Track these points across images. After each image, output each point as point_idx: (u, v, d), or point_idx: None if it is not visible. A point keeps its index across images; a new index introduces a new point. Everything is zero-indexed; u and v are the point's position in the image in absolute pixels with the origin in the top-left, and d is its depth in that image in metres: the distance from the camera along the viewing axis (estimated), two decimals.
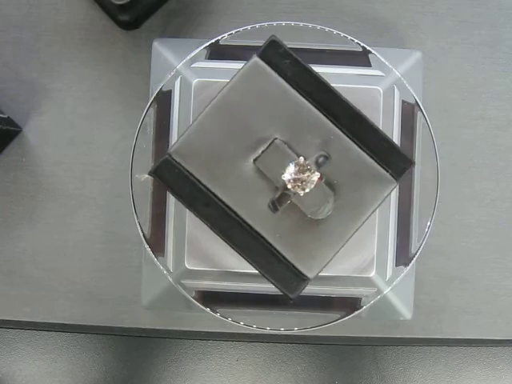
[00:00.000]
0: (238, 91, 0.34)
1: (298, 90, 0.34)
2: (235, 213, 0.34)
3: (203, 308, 0.40)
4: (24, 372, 0.47)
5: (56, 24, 0.46)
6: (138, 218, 0.40)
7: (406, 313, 0.43)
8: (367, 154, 0.34)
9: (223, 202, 0.34)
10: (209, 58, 0.41)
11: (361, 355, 0.47)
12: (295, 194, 0.33)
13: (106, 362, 0.47)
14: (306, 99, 0.34)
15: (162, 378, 0.47)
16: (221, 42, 0.41)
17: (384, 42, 0.46)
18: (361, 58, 0.42)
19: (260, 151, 0.34)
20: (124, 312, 0.45)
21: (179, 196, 0.34)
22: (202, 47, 0.41)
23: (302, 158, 0.33)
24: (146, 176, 0.40)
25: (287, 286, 0.34)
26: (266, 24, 0.41)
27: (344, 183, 0.34)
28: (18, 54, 0.46)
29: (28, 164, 0.46)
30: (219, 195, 0.34)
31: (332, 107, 0.34)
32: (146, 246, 0.40)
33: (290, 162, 0.33)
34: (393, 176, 0.34)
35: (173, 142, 0.40)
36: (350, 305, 0.41)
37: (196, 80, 0.40)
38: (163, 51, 0.42)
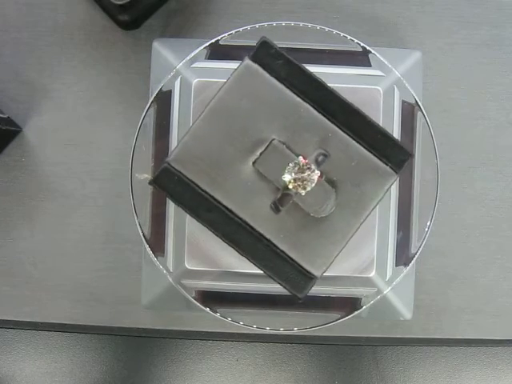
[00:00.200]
0: (232, 94, 0.34)
1: (292, 90, 0.34)
2: (238, 216, 0.34)
3: (203, 308, 0.40)
4: (24, 372, 0.47)
5: (56, 24, 0.46)
6: (137, 218, 0.40)
7: (406, 313, 0.43)
8: (366, 148, 0.34)
9: (225, 207, 0.34)
10: (209, 58, 0.41)
11: (361, 355, 0.47)
12: (296, 193, 0.33)
13: (106, 362, 0.47)
14: (301, 98, 0.34)
15: (162, 378, 0.47)
16: (221, 42, 0.41)
17: (384, 41, 0.46)
18: (361, 58, 0.42)
19: (258, 153, 0.34)
20: (124, 312, 0.45)
21: (181, 203, 0.34)
22: (202, 47, 0.41)
23: (301, 158, 0.33)
24: (146, 175, 0.40)
25: (295, 286, 0.34)
26: (265, 24, 0.41)
27: (345, 179, 0.34)
28: (17, 54, 0.46)
29: (28, 164, 0.46)
30: (221, 200, 0.34)
31: (327, 104, 0.34)
32: (146, 246, 0.40)
33: (290, 162, 0.33)
34: (393, 169, 0.34)
35: (172, 143, 0.40)
36: (350, 305, 0.41)
37: (196, 80, 0.40)
38: (163, 51, 0.42)
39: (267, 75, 0.34)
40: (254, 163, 0.34)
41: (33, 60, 0.46)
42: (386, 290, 0.40)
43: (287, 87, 0.34)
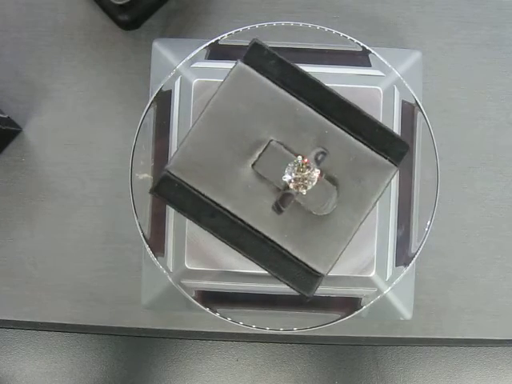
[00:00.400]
0: (227, 98, 0.34)
1: (286, 89, 0.34)
2: (240, 219, 0.34)
3: (203, 308, 0.40)
4: (24, 372, 0.47)
5: (56, 24, 0.46)
6: (137, 218, 0.40)
7: (406, 313, 0.43)
8: (364, 143, 0.34)
9: (227, 211, 0.34)
10: (209, 58, 0.41)
11: (361, 355, 0.47)
12: (298, 193, 0.33)
13: (106, 362, 0.47)
14: (296, 97, 0.34)
15: (162, 378, 0.47)
16: (221, 42, 0.41)
17: (384, 41, 0.46)
18: (361, 58, 0.42)
19: (257, 155, 0.34)
20: (124, 312, 0.45)
21: (183, 210, 0.34)
22: (202, 47, 0.41)
23: (300, 157, 0.33)
24: (146, 175, 0.40)
25: (302, 286, 0.34)
26: (265, 24, 0.41)
27: (345, 176, 0.34)
28: (17, 54, 0.46)
29: (28, 164, 0.46)
30: (222, 204, 0.34)
31: (322, 102, 0.34)
32: (146, 246, 0.40)
33: (289, 162, 0.33)
34: (392, 162, 0.34)
35: (172, 143, 0.40)
36: (350, 305, 0.41)
37: (196, 80, 0.40)
38: (163, 51, 0.42)
39: (261, 77, 0.34)
40: (253, 165, 0.34)
41: (33, 60, 0.46)
42: (386, 290, 0.40)
43: (281, 87, 0.34)
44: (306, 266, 0.34)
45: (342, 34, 0.41)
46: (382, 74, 0.41)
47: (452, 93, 0.46)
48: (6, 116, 0.44)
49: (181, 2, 0.46)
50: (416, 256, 0.41)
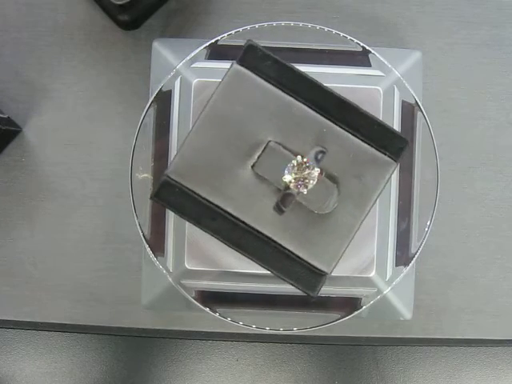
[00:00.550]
0: (224, 101, 0.34)
1: (283, 90, 0.34)
2: (242, 221, 0.34)
3: (203, 308, 0.40)
4: (24, 372, 0.47)
5: (56, 24, 0.46)
6: (137, 218, 0.40)
7: (406, 313, 0.43)
8: (362, 140, 0.34)
9: (229, 213, 0.34)
10: (209, 58, 0.41)
11: (361, 355, 0.47)
12: (298, 192, 0.33)
13: (106, 362, 0.47)
14: (293, 97, 0.34)
15: (162, 378, 0.47)
16: (221, 42, 0.41)
17: (384, 41, 0.46)
18: (361, 58, 0.42)
19: (256, 156, 0.34)
20: (124, 312, 0.45)
21: (184, 215, 0.34)
22: (202, 47, 0.41)
23: (299, 157, 0.33)
24: (146, 175, 0.40)
25: (307, 285, 0.34)
26: (265, 24, 0.41)
27: (345, 173, 0.34)
28: (17, 54, 0.46)
29: (28, 164, 0.46)
30: (223, 207, 0.34)
31: (320, 100, 0.34)
32: (146, 246, 0.40)
33: (288, 161, 0.33)
34: (391, 158, 0.34)
35: (172, 143, 0.40)
36: (350, 305, 0.41)
37: (196, 80, 0.40)
38: (163, 51, 0.42)
39: (256, 78, 0.34)
40: (252, 167, 0.34)
41: (33, 60, 0.46)
42: (386, 290, 0.40)
43: (278, 87, 0.34)
44: (310, 265, 0.34)
45: (342, 34, 0.41)
46: (382, 74, 0.41)
47: (452, 93, 0.46)
48: (5, 116, 0.44)
49: (181, 2, 0.46)
50: (416, 256, 0.41)
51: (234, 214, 0.34)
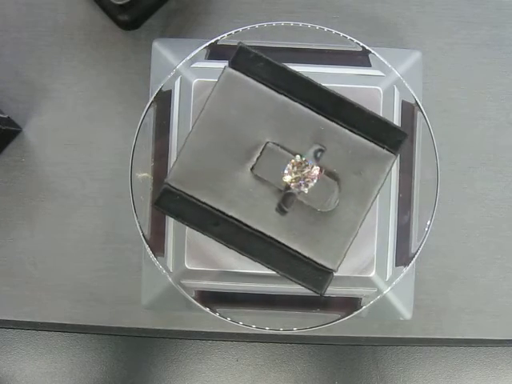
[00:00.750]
0: (219, 105, 0.34)
1: (277, 90, 0.34)
2: (246, 224, 0.34)
3: (203, 308, 0.40)
4: (24, 372, 0.47)
5: (56, 24, 0.46)
6: (137, 218, 0.40)
7: (406, 313, 0.43)
8: (360, 135, 0.34)
9: (231, 217, 0.34)
10: (209, 58, 0.41)
11: (361, 355, 0.47)
12: (299, 192, 0.33)
13: (106, 362, 0.47)
14: (288, 97, 0.34)
15: (162, 378, 0.47)
16: (220, 42, 0.41)
17: (384, 41, 0.46)
18: (361, 58, 0.42)
19: (255, 158, 0.34)
20: (124, 312, 0.45)
21: (187, 221, 0.34)
22: (202, 47, 0.41)
23: (298, 156, 0.33)
24: (146, 175, 0.40)
25: (314, 284, 0.34)
26: (265, 24, 0.41)
27: (345, 170, 0.34)
28: (17, 54, 0.46)
29: (28, 164, 0.46)
30: (225, 211, 0.34)
31: (315, 99, 0.34)
32: (146, 246, 0.40)
33: (287, 162, 0.33)
34: (390, 151, 0.34)
35: (172, 142, 0.40)
36: (350, 305, 0.41)
37: (196, 80, 0.40)
38: (163, 51, 0.42)
39: (250, 80, 0.34)
40: (252, 169, 0.34)
41: (33, 60, 0.46)
42: (386, 290, 0.40)
43: (272, 88, 0.34)
44: (316, 263, 0.34)
45: (341, 34, 0.41)
46: (382, 74, 0.41)
47: (452, 93, 0.46)
48: (5, 116, 0.44)
49: (181, 2, 0.46)
50: (416, 256, 0.41)
51: (237, 217, 0.34)
